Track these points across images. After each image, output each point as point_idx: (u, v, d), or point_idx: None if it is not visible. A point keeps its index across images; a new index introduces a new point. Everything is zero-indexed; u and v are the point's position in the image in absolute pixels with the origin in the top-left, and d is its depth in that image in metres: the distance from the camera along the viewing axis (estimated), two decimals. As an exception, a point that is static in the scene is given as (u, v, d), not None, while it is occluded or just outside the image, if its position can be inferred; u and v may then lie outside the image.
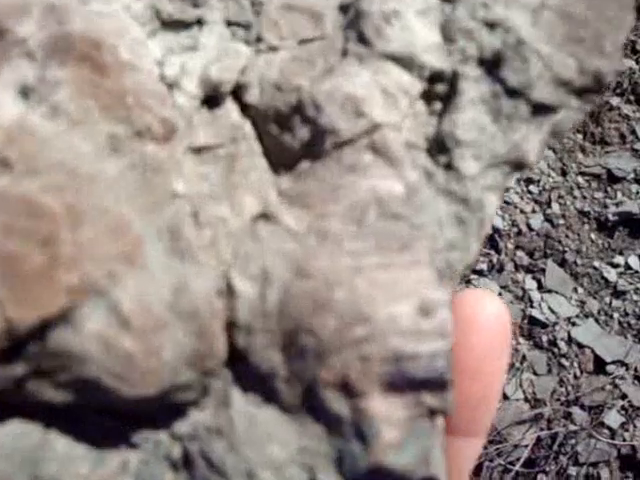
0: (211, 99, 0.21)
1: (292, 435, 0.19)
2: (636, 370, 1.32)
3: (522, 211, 1.41)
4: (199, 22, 0.22)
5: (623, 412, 1.30)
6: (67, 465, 0.18)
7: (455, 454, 0.23)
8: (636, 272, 1.39)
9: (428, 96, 0.21)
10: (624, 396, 1.30)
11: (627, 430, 1.28)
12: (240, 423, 0.18)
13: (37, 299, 0.16)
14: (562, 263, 1.39)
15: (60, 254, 0.17)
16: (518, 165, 0.21)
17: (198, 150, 0.20)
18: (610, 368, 1.32)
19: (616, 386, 1.31)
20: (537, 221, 1.40)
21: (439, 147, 0.21)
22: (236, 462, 0.18)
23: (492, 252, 1.38)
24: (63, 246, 0.17)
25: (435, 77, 0.21)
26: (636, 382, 1.31)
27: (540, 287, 1.38)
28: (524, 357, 1.34)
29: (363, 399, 0.18)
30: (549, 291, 1.37)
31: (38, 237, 0.17)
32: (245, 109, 0.21)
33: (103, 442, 0.19)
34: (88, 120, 0.19)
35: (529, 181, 1.43)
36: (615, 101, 1.53)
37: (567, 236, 1.40)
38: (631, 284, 1.38)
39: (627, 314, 1.36)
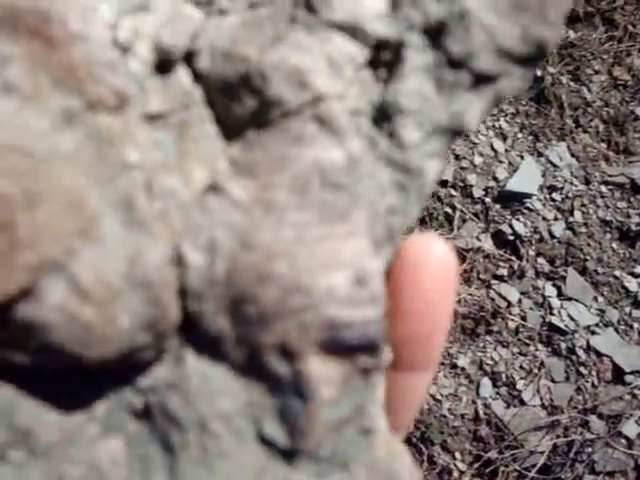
0: (163, 64, 0.21)
1: (240, 391, 0.20)
2: (655, 381, 1.32)
3: (544, 218, 1.41)
4: None
5: (641, 422, 1.29)
6: (38, 416, 0.20)
7: (407, 388, 0.25)
8: (657, 283, 1.39)
9: (374, 64, 0.21)
10: (642, 406, 1.30)
11: (644, 440, 1.28)
12: (194, 379, 0.20)
13: (3, 275, 0.17)
14: (583, 271, 1.39)
15: (18, 238, 0.17)
16: (458, 133, 0.21)
17: (151, 118, 0.20)
18: (629, 378, 1.32)
19: (634, 396, 1.31)
20: (559, 229, 1.40)
21: (383, 115, 0.21)
22: (190, 413, 0.20)
23: (513, 258, 1.38)
24: (20, 229, 0.17)
25: (381, 44, 0.21)
26: (655, 393, 1.31)
27: (560, 294, 1.38)
28: (542, 364, 1.34)
29: (301, 362, 0.19)
30: (569, 299, 1.37)
31: (2, 222, 0.17)
32: (196, 76, 0.21)
33: (70, 398, 0.20)
34: (41, 95, 0.18)
35: (552, 189, 1.43)
36: (640, 111, 1.53)
37: (589, 244, 1.40)
38: (652, 294, 1.38)
39: (647, 324, 1.36)
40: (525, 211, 1.41)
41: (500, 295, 1.37)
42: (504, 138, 1.49)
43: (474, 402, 1.33)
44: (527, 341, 1.36)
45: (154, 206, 0.19)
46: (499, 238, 1.40)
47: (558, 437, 1.28)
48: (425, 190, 0.21)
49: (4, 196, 0.17)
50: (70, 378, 0.20)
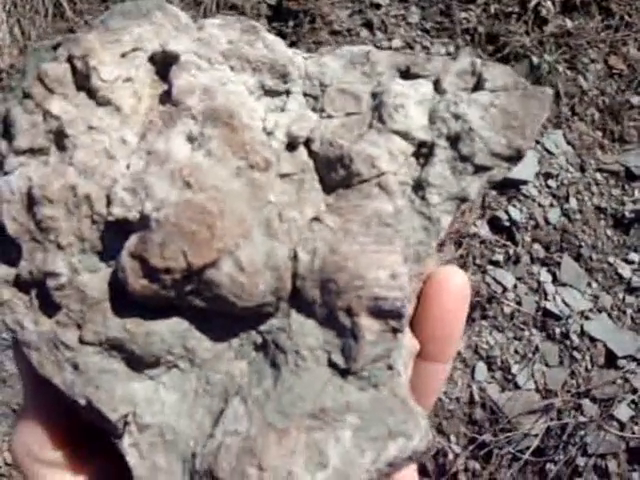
0: (291, 145, 0.34)
1: (320, 334, 0.32)
2: (647, 365, 1.34)
3: (540, 205, 1.42)
4: (287, 92, 0.35)
5: (633, 406, 1.31)
6: (200, 341, 0.32)
7: (430, 376, 0.35)
8: (650, 269, 1.41)
9: (416, 155, 0.33)
10: (634, 390, 1.31)
11: (636, 423, 1.30)
12: (294, 326, 0.32)
13: (203, 253, 0.30)
14: (577, 257, 1.41)
15: (215, 233, 0.30)
16: (463, 200, 0.33)
17: (282, 176, 0.33)
18: (621, 362, 1.34)
19: (627, 380, 1.33)
20: (554, 215, 1.42)
21: (419, 185, 0.33)
22: (290, 345, 0.32)
23: (509, 244, 1.40)
24: (216, 229, 0.30)
25: (421, 144, 0.33)
26: (647, 377, 1.33)
27: (555, 280, 1.39)
28: (537, 348, 1.36)
29: (357, 318, 0.31)
30: (564, 284, 1.39)
31: (206, 224, 0.30)
32: (310, 153, 0.34)
33: (220, 333, 0.33)
34: (225, 159, 0.32)
35: (548, 176, 1.44)
36: (635, 100, 1.54)
37: (583, 231, 1.42)
38: (645, 281, 1.40)
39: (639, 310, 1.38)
40: (521, 198, 1.42)
41: (496, 280, 1.39)
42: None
43: (469, 386, 1.35)
44: (522, 326, 1.38)
45: (282, 226, 0.32)
46: (495, 224, 1.41)
47: (552, 420, 1.30)
48: (440, 233, 0.33)
49: (210, 210, 0.30)
50: (222, 320, 0.32)
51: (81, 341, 0.32)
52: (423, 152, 0.33)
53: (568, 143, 1.48)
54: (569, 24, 1.60)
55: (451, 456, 1.31)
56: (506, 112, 0.33)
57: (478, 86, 0.34)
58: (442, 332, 0.34)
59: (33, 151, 0.33)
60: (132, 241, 0.31)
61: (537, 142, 1.46)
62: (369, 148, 0.32)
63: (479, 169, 0.32)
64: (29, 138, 0.33)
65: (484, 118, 0.33)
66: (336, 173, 0.33)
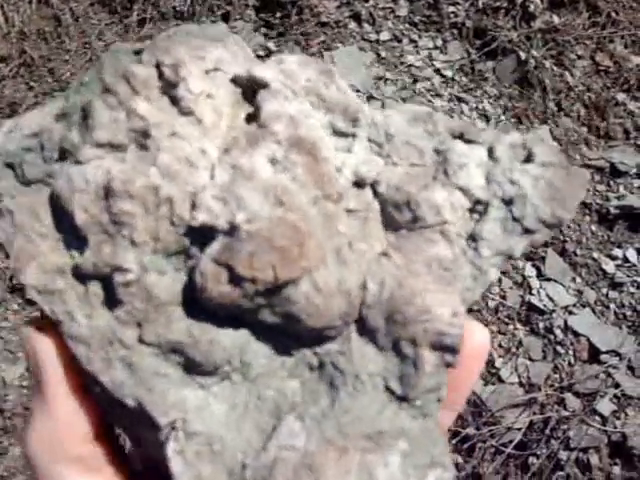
0: (358, 183, 0.35)
1: (380, 361, 0.33)
2: (630, 361, 1.34)
3: (525, 200, 1.43)
4: (353, 135, 0.36)
5: (615, 400, 1.32)
6: (256, 355, 0.33)
7: (440, 419, 0.37)
8: (634, 265, 1.41)
9: (472, 210, 0.35)
10: (617, 385, 1.32)
11: (618, 418, 1.30)
12: (355, 351, 0.33)
13: (290, 269, 0.31)
14: (562, 253, 1.41)
15: (303, 252, 0.31)
16: (510, 257, 0.35)
17: (349, 211, 0.35)
18: (604, 357, 1.35)
19: (609, 375, 1.33)
20: (540, 210, 1.42)
21: (472, 238, 0.35)
22: (350, 368, 0.33)
23: (494, 238, 1.40)
24: (305, 248, 0.31)
25: (478, 201, 0.35)
26: (629, 372, 1.34)
27: (540, 275, 1.40)
28: (520, 342, 1.36)
29: (420, 349, 0.32)
30: (548, 279, 1.39)
31: (298, 242, 0.31)
32: (376, 194, 0.36)
33: (277, 351, 0.34)
34: (307, 186, 0.33)
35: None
36: (621, 97, 1.55)
37: (568, 226, 1.42)
38: (628, 277, 1.40)
39: (623, 305, 1.39)
40: (507, 192, 1.43)
41: (481, 274, 1.39)
42: (487, 119, 1.51)
43: (453, 379, 1.35)
44: (506, 320, 1.38)
45: (352, 256, 0.33)
46: (481, 218, 1.42)
47: (535, 414, 1.31)
48: (487, 284, 0.35)
49: (301, 229, 0.32)
50: (282, 338, 0.33)
51: (140, 340, 0.32)
52: (478, 209, 0.36)
53: (554, 138, 1.49)
54: (556, 20, 1.60)
55: (434, 449, 1.31)
56: (552, 185, 0.36)
57: (528, 158, 0.36)
58: (455, 379, 0.35)
59: (112, 146, 0.34)
60: (216, 248, 0.32)
61: (523, 137, 1.47)
62: (435, 197, 0.35)
63: (526, 231, 0.35)
64: (110, 132, 0.34)
65: (535, 187, 0.35)
66: (401, 215, 0.35)
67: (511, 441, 1.29)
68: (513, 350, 1.36)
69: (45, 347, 0.34)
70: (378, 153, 0.37)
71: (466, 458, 1.31)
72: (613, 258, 1.42)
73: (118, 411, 0.33)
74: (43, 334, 0.34)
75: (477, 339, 0.36)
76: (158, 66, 0.35)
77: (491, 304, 1.38)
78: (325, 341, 0.34)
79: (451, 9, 1.61)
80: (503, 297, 1.38)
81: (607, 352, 1.35)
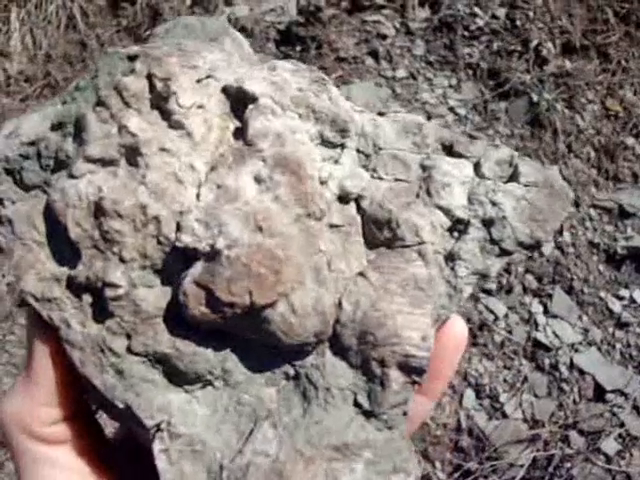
0: (343, 198, 0.36)
1: (350, 377, 0.35)
2: (635, 400, 1.34)
3: (534, 236, 1.44)
4: (342, 146, 0.37)
5: (620, 440, 1.31)
6: (237, 365, 0.35)
7: (416, 406, 0.38)
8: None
9: (452, 229, 0.36)
10: (622, 424, 1.31)
11: (623, 458, 1.29)
12: (327, 365, 0.35)
13: (266, 295, 0.32)
14: (569, 290, 1.42)
15: (280, 278, 0.33)
16: (485, 277, 0.36)
17: (331, 226, 0.35)
18: (609, 397, 1.34)
19: (614, 414, 1.33)
20: (548, 248, 1.44)
21: (451, 257, 0.36)
22: (322, 382, 0.35)
23: (502, 273, 1.41)
24: (281, 275, 0.33)
25: (458, 221, 0.36)
26: (634, 412, 1.33)
27: (546, 312, 1.40)
28: (526, 378, 1.36)
29: (387, 369, 0.34)
30: (555, 316, 1.40)
31: (273, 269, 0.33)
32: (359, 209, 0.36)
33: (256, 364, 0.35)
34: (290, 206, 0.33)
35: (543, 209, 1.47)
36: (630, 141, 1.58)
37: (576, 265, 1.43)
38: (635, 317, 1.41)
39: (629, 345, 1.39)
40: (516, 228, 1.44)
41: (487, 308, 1.39)
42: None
43: (457, 412, 1.34)
44: (512, 355, 1.38)
45: (331, 275, 0.34)
46: (489, 253, 1.43)
47: (538, 451, 1.30)
48: (461, 302, 0.36)
49: (278, 257, 0.33)
50: (261, 350, 0.35)
51: (129, 350, 0.34)
52: (458, 227, 0.36)
53: (564, 179, 1.51)
54: (568, 65, 1.64)
55: (436, 482, 1.29)
56: (534, 206, 0.36)
57: (513, 177, 0.37)
58: (435, 369, 0.37)
59: (104, 161, 0.35)
60: (198, 269, 0.33)
61: (533, 175, 1.49)
62: (415, 218, 0.36)
63: (504, 252, 0.36)
64: (102, 148, 0.35)
65: (516, 209, 0.36)
66: (381, 233, 0.36)
67: (514, 478, 1.28)
68: (518, 386, 1.36)
69: (41, 341, 0.35)
70: (365, 165, 0.38)
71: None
72: (620, 298, 1.43)
73: (110, 409, 0.35)
74: (42, 333, 0.35)
75: (456, 330, 0.37)
76: (150, 78, 0.35)
77: (497, 339, 1.38)
78: (302, 355, 0.35)
79: (467, 50, 1.65)
80: (509, 332, 1.39)
81: (612, 391, 1.34)
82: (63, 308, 0.34)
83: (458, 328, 0.38)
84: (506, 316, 1.40)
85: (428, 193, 0.36)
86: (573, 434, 1.31)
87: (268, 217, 0.33)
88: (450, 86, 1.61)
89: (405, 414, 0.35)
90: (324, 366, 0.35)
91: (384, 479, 0.34)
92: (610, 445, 1.29)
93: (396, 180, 0.37)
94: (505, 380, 1.37)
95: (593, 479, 1.27)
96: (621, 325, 1.40)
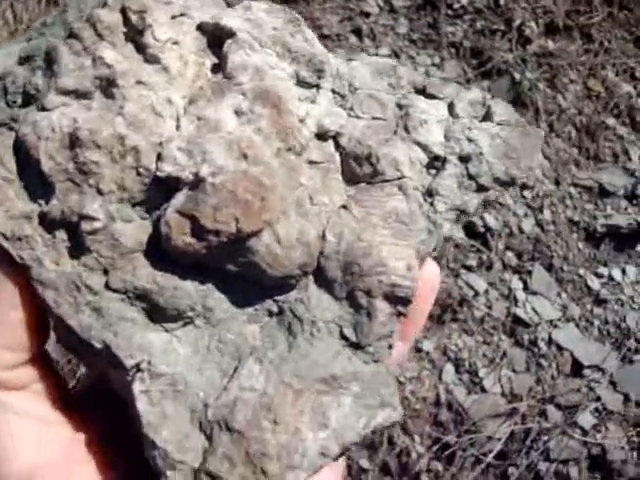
0: (321, 136, 0.36)
1: (336, 309, 0.35)
2: (612, 376, 1.35)
3: (515, 214, 1.45)
4: (317, 86, 0.37)
5: (596, 414, 1.32)
6: (219, 302, 0.34)
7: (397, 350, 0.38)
8: (618, 284, 1.43)
9: (429, 166, 0.37)
10: (598, 399, 1.33)
11: (599, 431, 1.31)
12: (312, 299, 0.35)
13: (252, 222, 0.32)
14: (549, 267, 1.43)
15: (266, 205, 0.32)
16: (464, 212, 0.36)
17: (311, 162, 0.35)
18: (587, 372, 1.36)
19: (591, 389, 1.34)
20: (528, 225, 1.45)
21: (429, 193, 0.36)
22: (307, 315, 0.35)
23: (483, 249, 1.42)
24: (268, 202, 0.32)
25: (436, 157, 0.37)
26: (611, 387, 1.35)
27: (526, 288, 1.41)
28: (505, 354, 1.37)
29: (374, 299, 0.34)
30: (534, 293, 1.41)
31: (260, 195, 0.32)
32: (338, 146, 0.37)
33: (238, 299, 0.35)
34: (271, 138, 0.33)
35: (524, 187, 1.47)
36: (611, 121, 1.59)
37: (556, 242, 1.45)
38: (613, 294, 1.42)
39: (607, 322, 1.40)
40: (497, 206, 1.45)
41: (468, 284, 1.40)
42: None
43: (436, 386, 1.35)
44: (491, 331, 1.39)
45: (313, 208, 0.34)
46: (470, 229, 1.43)
47: (516, 424, 1.31)
48: (440, 237, 0.36)
49: (265, 184, 0.32)
50: (244, 286, 0.34)
51: (107, 286, 0.33)
52: (435, 165, 0.37)
53: (545, 157, 1.52)
54: (551, 45, 1.65)
55: (414, 456, 1.30)
56: (508, 144, 0.37)
57: (486, 116, 0.38)
58: (411, 316, 0.37)
59: (78, 93, 0.34)
60: (180, 199, 0.32)
61: (515, 154, 1.50)
62: (394, 152, 0.36)
63: (480, 188, 0.37)
64: (76, 79, 0.33)
65: (491, 145, 0.37)
66: (361, 169, 0.36)
67: (491, 451, 1.29)
68: (497, 361, 1.37)
69: (5, 281, 0.33)
70: (341, 105, 0.38)
71: (445, 466, 1.31)
72: (599, 276, 1.44)
73: (85, 352, 0.34)
74: (7, 273, 0.33)
75: (429, 272, 0.37)
76: (124, 11, 0.34)
77: (477, 314, 1.39)
78: (285, 290, 0.35)
79: (450, 29, 1.65)
80: (489, 308, 1.39)
81: (590, 367, 1.36)
82: (34, 246, 0.33)
83: (431, 271, 0.38)
84: (486, 292, 1.41)
85: (406, 130, 0.37)
86: (550, 408, 1.32)
87: (252, 146, 0.33)
88: (433, 64, 1.61)
89: (390, 347, 0.35)
90: (309, 299, 0.35)
91: (372, 413, 0.34)
92: (586, 419, 1.31)
93: (373, 118, 0.37)
94: (484, 355, 1.38)
95: (569, 452, 1.28)
96: (599, 302, 1.42)
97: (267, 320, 0.35)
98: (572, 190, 1.49)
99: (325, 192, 0.35)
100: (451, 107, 0.38)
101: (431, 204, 0.36)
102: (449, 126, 0.37)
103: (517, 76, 1.60)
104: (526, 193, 1.47)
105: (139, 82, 0.34)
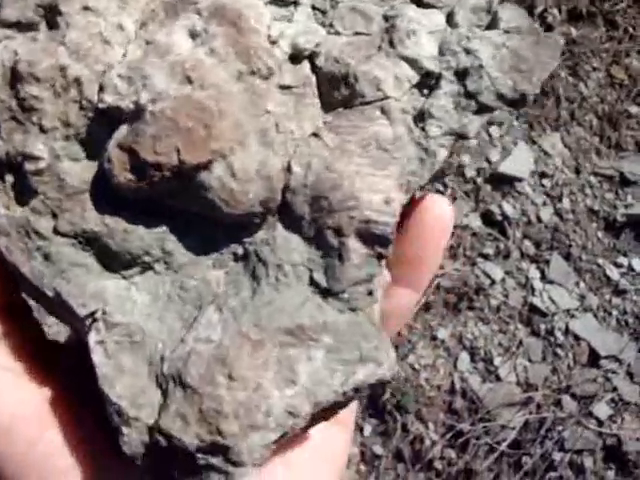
0: (295, 57, 0.33)
1: (305, 251, 0.31)
2: (629, 366, 1.34)
3: (533, 202, 1.44)
4: (295, 3, 0.34)
5: (612, 405, 1.31)
6: (178, 245, 0.31)
7: (400, 300, 0.35)
8: (638, 274, 1.42)
9: (422, 84, 0.33)
10: (614, 389, 1.32)
11: (615, 422, 1.30)
12: (279, 239, 0.31)
13: (196, 153, 0.29)
14: (567, 257, 1.42)
15: (212, 133, 0.29)
16: (461, 136, 0.32)
17: (283, 87, 0.32)
18: (603, 362, 1.34)
19: (608, 379, 1.33)
20: (547, 214, 1.43)
21: (420, 116, 0.32)
22: (273, 258, 0.31)
23: (500, 238, 1.41)
24: (213, 129, 0.29)
25: (428, 74, 0.32)
26: (628, 377, 1.33)
27: (543, 277, 1.40)
28: (521, 343, 1.37)
29: (345, 238, 0.30)
30: (551, 282, 1.40)
31: (204, 122, 0.29)
32: (314, 68, 0.33)
33: (200, 243, 0.32)
34: (228, 60, 0.30)
35: (543, 175, 1.46)
36: (634, 110, 1.56)
37: (574, 231, 1.43)
38: (632, 284, 1.41)
39: (626, 312, 1.39)
40: (515, 194, 1.44)
41: (484, 273, 1.39)
42: (500, 124, 1.52)
43: (451, 374, 1.35)
44: (507, 320, 1.38)
45: (279, 137, 0.31)
46: (487, 218, 1.43)
47: (530, 414, 1.30)
48: (435, 166, 0.32)
49: (209, 109, 0.29)
50: (205, 227, 0.31)
51: (55, 231, 0.31)
52: (429, 83, 0.32)
53: (565, 146, 1.50)
54: (574, 32, 1.62)
55: (428, 443, 1.31)
56: (517, 55, 0.32)
57: (492, 24, 0.33)
58: (418, 255, 0.34)
59: (21, 25, 0.32)
60: (122, 132, 0.30)
61: (534, 142, 1.48)
62: (376, 70, 0.32)
63: (482, 108, 0.32)
64: (18, 10, 0.32)
65: (495, 57, 0.32)
66: (339, 91, 0.32)
67: (505, 439, 1.29)
68: (513, 350, 1.36)
69: None
70: (321, 22, 0.34)
71: (459, 454, 1.31)
72: (618, 265, 1.42)
73: (44, 301, 0.32)
74: None
75: (438, 210, 0.34)
76: None
77: (493, 303, 1.38)
78: (252, 230, 0.32)
79: (470, 16, 1.64)
80: (505, 297, 1.39)
81: (607, 357, 1.35)
82: None
83: (443, 208, 0.34)
84: (503, 281, 1.40)
85: (391, 43, 0.32)
86: (566, 398, 1.31)
87: (198, 67, 0.30)
88: (453, 52, 1.60)
89: (371, 294, 0.31)
90: (274, 240, 0.31)
91: (350, 369, 0.30)
92: (602, 409, 1.30)
93: (356, 34, 0.33)
94: (500, 344, 1.37)
95: (584, 442, 1.28)
96: (618, 292, 1.40)
97: (232, 265, 0.32)
98: (592, 179, 1.47)
99: (296, 119, 0.32)
100: (450, 16, 0.33)
101: (423, 129, 0.32)
102: (445, 37, 0.33)
103: (538, 63, 1.58)
104: (545, 182, 1.45)
105: (86, 8, 0.31)
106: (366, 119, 0.32)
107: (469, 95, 0.32)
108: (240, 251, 0.32)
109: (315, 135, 0.32)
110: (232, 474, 0.29)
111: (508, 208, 1.42)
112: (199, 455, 0.29)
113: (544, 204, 1.44)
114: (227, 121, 0.30)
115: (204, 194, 0.30)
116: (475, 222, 1.41)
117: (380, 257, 0.31)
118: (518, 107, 0.33)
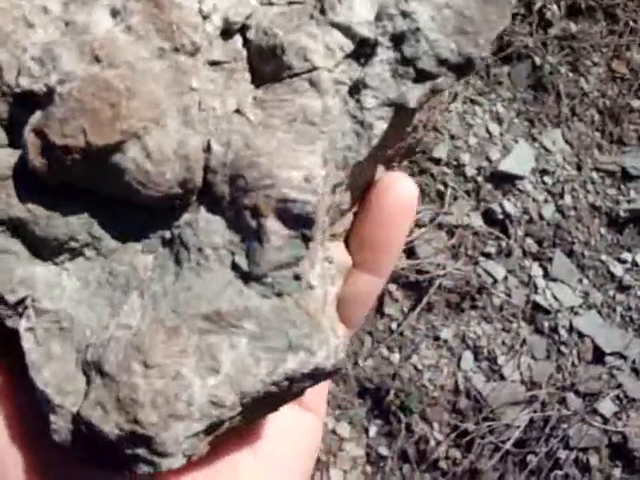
0: (227, 31, 0.31)
1: (226, 234, 0.30)
2: (634, 363, 1.33)
3: (535, 200, 1.43)
4: None
5: (617, 402, 1.31)
6: (107, 231, 0.31)
7: (361, 288, 0.33)
8: (643, 270, 1.41)
9: (358, 53, 0.31)
10: (619, 386, 1.31)
11: (620, 419, 1.29)
12: (201, 222, 0.30)
13: (104, 134, 0.28)
14: (570, 254, 1.41)
15: (120, 112, 0.28)
16: (401, 107, 0.30)
17: (212, 63, 0.31)
18: (608, 359, 1.34)
19: (612, 376, 1.32)
20: (549, 211, 1.43)
21: (356, 87, 0.30)
22: (195, 241, 0.30)
23: (502, 237, 1.41)
24: (122, 108, 0.28)
25: (363, 41, 0.30)
26: (633, 374, 1.33)
27: (546, 275, 1.40)
28: (524, 341, 1.36)
29: (263, 219, 0.29)
30: (554, 280, 1.39)
31: (110, 102, 0.28)
32: (245, 42, 0.31)
33: (128, 228, 0.31)
34: (148, 37, 0.29)
35: (544, 172, 1.45)
36: (636, 104, 1.55)
37: (577, 228, 1.42)
38: (637, 280, 1.40)
39: (630, 308, 1.38)
40: (516, 192, 1.43)
41: (487, 272, 1.39)
42: (500, 122, 1.52)
43: (455, 374, 1.35)
44: (511, 318, 1.38)
45: (200, 115, 0.30)
46: (489, 217, 1.42)
47: (535, 412, 1.30)
48: (372, 140, 0.30)
49: (116, 88, 0.28)
50: (133, 211, 0.31)
51: None
52: (366, 52, 0.31)
53: (566, 142, 1.50)
54: (573, 28, 1.62)
55: (433, 443, 1.31)
56: (461, 15, 0.30)
57: None
58: (380, 238, 0.32)
59: None
60: (36, 116, 0.29)
61: (534, 139, 1.48)
62: (304, 39, 0.30)
63: (422, 75, 0.30)
64: None
65: (434, 19, 0.30)
66: (268, 65, 0.31)
67: (510, 438, 1.29)
68: (516, 348, 1.36)
69: None
70: None
71: (464, 453, 1.31)
72: (622, 261, 1.42)
73: None
74: None
75: (400, 189, 0.32)
76: None
77: (496, 302, 1.38)
78: (175, 214, 0.31)
79: (468, 14, 1.64)
80: (508, 295, 1.39)
81: (611, 354, 1.34)
82: None
83: (405, 187, 0.32)
84: (505, 279, 1.40)
85: (322, 11, 0.31)
86: (570, 396, 1.31)
87: (107, 45, 0.29)
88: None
89: (298, 278, 0.30)
90: (197, 223, 0.30)
91: (278, 357, 0.29)
92: (607, 406, 1.29)
93: (289, 4, 0.32)
94: (504, 343, 1.37)
95: (589, 440, 1.27)
96: (622, 288, 1.39)
97: (160, 250, 0.31)
98: (594, 175, 1.46)
99: (224, 96, 0.31)
100: None
101: (357, 100, 0.30)
102: (384, 2, 0.31)
103: (538, 60, 1.57)
104: (546, 179, 1.45)
105: None
106: (293, 91, 0.30)
107: (406, 61, 0.30)
108: (168, 235, 0.31)
109: (238, 111, 0.30)
110: (158, 464, 0.28)
111: (509, 206, 1.42)
112: (124, 445, 0.28)
113: (546, 201, 1.44)
114: (138, 100, 0.28)
115: (121, 177, 0.29)
116: (476, 221, 1.41)
117: (306, 238, 0.29)
118: (465, 73, 0.30)
